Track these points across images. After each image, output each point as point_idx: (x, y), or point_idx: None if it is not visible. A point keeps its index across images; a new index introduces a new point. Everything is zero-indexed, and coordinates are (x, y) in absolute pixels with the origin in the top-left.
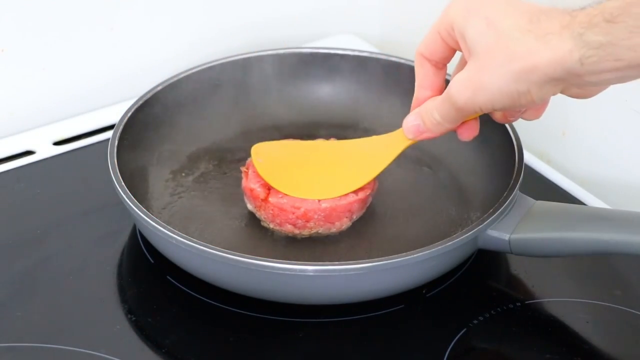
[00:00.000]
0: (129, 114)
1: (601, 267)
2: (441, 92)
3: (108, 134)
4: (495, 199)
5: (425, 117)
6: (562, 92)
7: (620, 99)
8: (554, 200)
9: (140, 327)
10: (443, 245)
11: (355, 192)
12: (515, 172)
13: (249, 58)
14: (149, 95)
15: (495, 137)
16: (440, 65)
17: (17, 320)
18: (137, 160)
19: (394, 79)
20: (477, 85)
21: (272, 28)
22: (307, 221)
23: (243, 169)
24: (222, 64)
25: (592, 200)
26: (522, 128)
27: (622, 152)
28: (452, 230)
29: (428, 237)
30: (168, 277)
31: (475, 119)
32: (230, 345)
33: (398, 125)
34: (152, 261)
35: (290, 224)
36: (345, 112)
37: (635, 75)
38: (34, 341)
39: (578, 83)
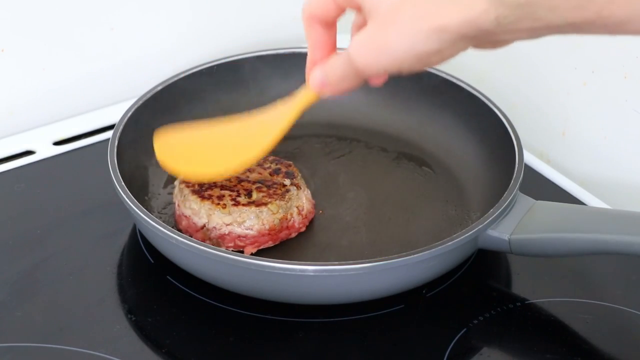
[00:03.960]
0: (129, 114)
1: (601, 267)
2: (334, 50)
3: (108, 134)
4: (495, 199)
5: (329, 72)
6: (473, 47)
7: (621, 99)
8: (554, 200)
9: (140, 327)
10: (443, 245)
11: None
12: (515, 172)
13: (249, 58)
14: (149, 95)
15: (495, 137)
16: (331, 24)
17: (17, 320)
18: (137, 160)
19: (393, 79)
20: (381, 46)
21: (272, 28)
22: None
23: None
24: (222, 64)
25: (592, 200)
26: (522, 128)
27: (622, 152)
28: (452, 230)
29: (428, 237)
30: (168, 277)
31: None
32: (230, 345)
33: (398, 124)
34: (152, 261)
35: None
36: (345, 112)
37: (549, 34)
38: (34, 341)
39: (490, 40)
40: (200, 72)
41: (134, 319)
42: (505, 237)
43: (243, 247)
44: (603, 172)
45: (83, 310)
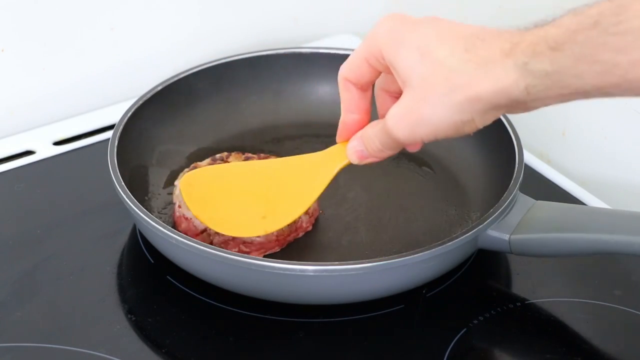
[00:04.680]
0: (129, 114)
1: (601, 267)
2: (368, 113)
3: (108, 134)
4: (495, 199)
5: (367, 144)
6: (505, 112)
7: (621, 99)
8: (554, 200)
9: (140, 327)
10: (443, 245)
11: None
12: (515, 172)
13: (248, 58)
14: (149, 95)
15: (495, 138)
16: (366, 87)
17: (17, 320)
18: (137, 160)
19: None
20: (417, 118)
21: (272, 28)
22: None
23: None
24: (222, 64)
25: (592, 200)
26: (522, 128)
27: (622, 152)
28: (452, 230)
29: (428, 237)
30: (168, 277)
31: None
32: (230, 345)
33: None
34: (152, 261)
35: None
36: None
37: (578, 99)
38: (34, 341)
39: (521, 108)
40: (200, 72)
41: (134, 319)
42: (505, 237)
43: (248, 252)
44: (603, 172)
45: (83, 310)
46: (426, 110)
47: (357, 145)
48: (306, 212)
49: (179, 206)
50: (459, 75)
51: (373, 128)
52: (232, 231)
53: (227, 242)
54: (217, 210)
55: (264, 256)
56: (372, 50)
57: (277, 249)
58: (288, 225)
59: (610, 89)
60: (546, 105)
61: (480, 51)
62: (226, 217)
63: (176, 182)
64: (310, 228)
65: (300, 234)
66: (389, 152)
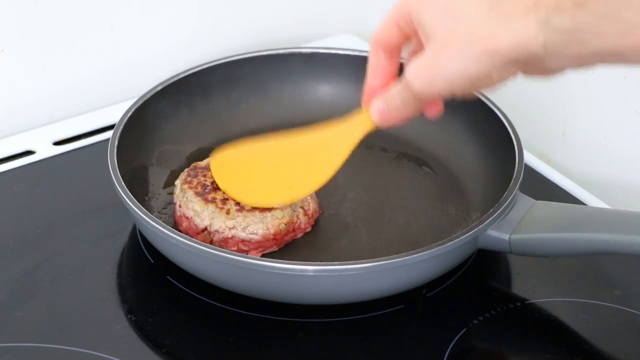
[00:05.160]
0: (129, 114)
1: (601, 267)
2: (393, 79)
3: (108, 134)
4: (495, 199)
5: (389, 102)
6: (523, 73)
7: (621, 99)
8: (554, 200)
9: (140, 327)
10: (443, 245)
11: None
12: (515, 172)
13: (248, 58)
14: (149, 95)
15: (495, 138)
16: (395, 52)
17: (17, 320)
18: (137, 160)
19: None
20: (435, 70)
21: (272, 28)
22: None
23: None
24: (222, 64)
25: (592, 200)
26: (522, 128)
27: (622, 152)
28: (452, 230)
29: (428, 237)
30: (168, 277)
31: None
32: (230, 345)
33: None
34: (152, 261)
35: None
36: (345, 112)
37: (595, 62)
38: (34, 341)
39: (538, 67)
40: (200, 72)
41: (134, 319)
42: (505, 237)
43: (247, 251)
44: (603, 172)
45: (83, 310)
46: (444, 62)
47: (379, 105)
48: (305, 214)
49: (180, 206)
50: (480, 29)
51: (395, 85)
52: (261, 202)
53: (227, 241)
54: (246, 185)
55: (262, 255)
56: (402, 12)
57: (275, 248)
58: (286, 224)
59: (630, 53)
60: (564, 67)
61: (503, 7)
62: (254, 190)
63: (176, 182)
64: (309, 229)
65: (299, 235)
66: (408, 111)
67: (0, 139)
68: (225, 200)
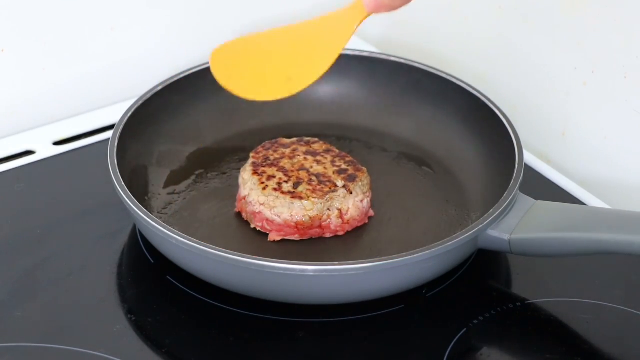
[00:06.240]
0: (129, 114)
1: (601, 267)
2: None
3: (108, 134)
4: (495, 199)
5: None
6: None
7: (621, 99)
8: (554, 200)
9: (140, 327)
10: (443, 245)
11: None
12: (515, 172)
13: None
14: (149, 95)
15: (495, 138)
16: None
17: (17, 320)
18: (137, 160)
19: (392, 78)
20: None
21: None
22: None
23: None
24: None
25: (592, 200)
26: (522, 128)
27: (622, 152)
28: (452, 230)
29: (428, 237)
30: (168, 277)
31: None
32: (230, 345)
33: (398, 124)
34: (152, 261)
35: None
36: (345, 112)
37: None
38: (34, 341)
39: None
40: (200, 72)
41: (134, 319)
42: (505, 237)
43: (270, 231)
44: (603, 172)
45: (83, 310)
46: None
47: None
48: (340, 217)
49: (242, 170)
50: None
51: None
52: (259, 95)
53: (255, 215)
54: (244, 78)
55: (282, 241)
56: None
57: (296, 237)
58: (311, 217)
59: None
60: None
61: None
62: (253, 83)
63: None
64: (342, 233)
65: (328, 235)
66: None
67: (0, 139)
68: (270, 177)
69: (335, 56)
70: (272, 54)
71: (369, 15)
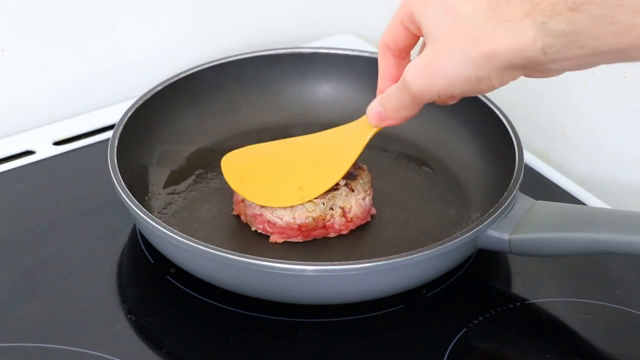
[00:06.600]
0: (129, 114)
1: (601, 267)
2: None
3: (108, 134)
4: (495, 199)
5: (385, 103)
6: (524, 75)
7: (620, 99)
8: (554, 200)
9: (140, 327)
10: (443, 245)
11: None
12: (515, 172)
13: (248, 58)
14: (149, 95)
15: (496, 138)
16: (404, 54)
17: (17, 320)
18: (137, 160)
19: None
20: (434, 71)
21: (272, 28)
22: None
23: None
24: (222, 64)
25: (592, 200)
26: (522, 128)
27: (622, 152)
28: (452, 230)
29: (428, 237)
30: (168, 277)
31: None
32: (230, 345)
33: (398, 126)
34: (152, 261)
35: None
36: (345, 112)
37: (596, 62)
38: (34, 341)
39: (538, 69)
40: (200, 72)
41: (134, 319)
42: (505, 237)
43: (272, 233)
44: (603, 172)
45: (83, 310)
46: (444, 63)
47: (375, 107)
48: (343, 215)
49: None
50: (479, 31)
51: (392, 87)
52: (270, 202)
53: (255, 217)
54: (256, 185)
55: (284, 243)
56: (406, 10)
57: (299, 239)
58: (314, 219)
59: (628, 50)
60: (564, 69)
61: (502, 10)
62: (264, 190)
63: None
64: (345, 232)
65: (332, 234)
66: (405, 112)
67: (0, 139)
68: None
69: (348, 168)
70: (284, 163)
71: (376, 130)
